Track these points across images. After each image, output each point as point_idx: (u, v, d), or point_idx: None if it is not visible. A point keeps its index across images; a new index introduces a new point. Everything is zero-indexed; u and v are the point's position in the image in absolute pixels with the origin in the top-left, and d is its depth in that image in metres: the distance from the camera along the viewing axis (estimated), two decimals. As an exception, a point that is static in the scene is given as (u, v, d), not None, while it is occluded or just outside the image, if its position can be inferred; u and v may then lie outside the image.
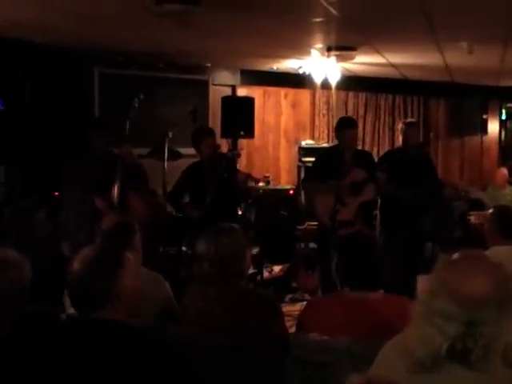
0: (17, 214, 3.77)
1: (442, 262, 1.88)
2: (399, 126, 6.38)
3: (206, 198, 5.47)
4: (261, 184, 8.03)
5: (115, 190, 5.28)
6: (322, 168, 5.80)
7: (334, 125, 6.03)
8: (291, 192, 8.18)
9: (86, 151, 5.47)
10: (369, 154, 6.41)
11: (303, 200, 7.97)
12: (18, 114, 6.43)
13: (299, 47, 6.53)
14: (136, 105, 5.63)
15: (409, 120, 6.84)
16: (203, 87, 8.06)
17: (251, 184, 6.34)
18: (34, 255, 3.59)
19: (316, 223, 6.09)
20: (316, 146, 8.70)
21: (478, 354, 1.72)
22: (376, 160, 6.39)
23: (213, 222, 3.22)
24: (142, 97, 5.70)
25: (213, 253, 2.96)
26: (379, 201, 6.31)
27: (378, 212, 6.50)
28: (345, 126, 5.70)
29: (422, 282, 1.89)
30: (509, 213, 4.11)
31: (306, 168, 8.17)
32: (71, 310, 2.72)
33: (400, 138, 6.23)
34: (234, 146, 7.55)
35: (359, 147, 8.79)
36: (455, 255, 1.88)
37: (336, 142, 5.98)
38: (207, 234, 3.07)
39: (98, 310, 2.25)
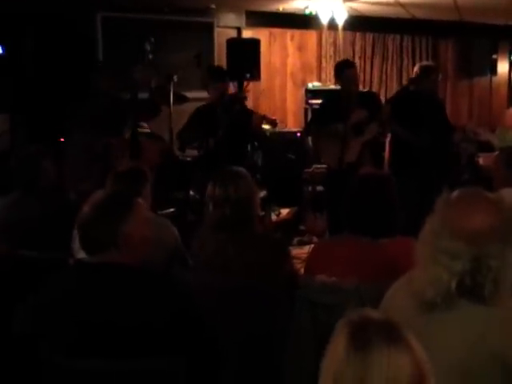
0: (22, 161, 3.75)
1: (442, 201, 1.87)
2: (415, 68, 6.20)
3: (216, 138, 5.43)
4: (267, 127, 7.96)
5: (127, 133, 5.27)
6: (326, 113, 5.74)
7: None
8: (298, 135, 8.12)
9: (95, 96, 5.42)
10: (374, 95, 6.34)
11: (311, 143, 7.94)
12: (20, 61, 6.35)
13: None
14: (148, 48, 5.55)
15: (425, 63, 6.61)
16: (208, 30, 7.93)
17: (267, 126, 6.25)
18: (41, 202, 3.63)
19: (323, 166, 6.07)
20: (323, 87, 8.59)
21: (489, 288, 1.73)
22: (387, 99, 6.30)
23: (221, 163, 3.19)
24: (152, 40, 5.61)
25: (225, 196, 2.95)
26: (390, 144, 6.21)
27: (387, 154, 6.42)
28: (345, 66, 5.63)
29: (425, 223, 1.88)
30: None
31: (313, 110, 8.09)
32: (80, 255, 2.73)
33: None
34: (240, 89, 7.47)
35: (367, 88, 8.74)
36: (454, 193, 1.87)
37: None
38: (218, 178, 3.04)
39: (106, 252, 2.25)
